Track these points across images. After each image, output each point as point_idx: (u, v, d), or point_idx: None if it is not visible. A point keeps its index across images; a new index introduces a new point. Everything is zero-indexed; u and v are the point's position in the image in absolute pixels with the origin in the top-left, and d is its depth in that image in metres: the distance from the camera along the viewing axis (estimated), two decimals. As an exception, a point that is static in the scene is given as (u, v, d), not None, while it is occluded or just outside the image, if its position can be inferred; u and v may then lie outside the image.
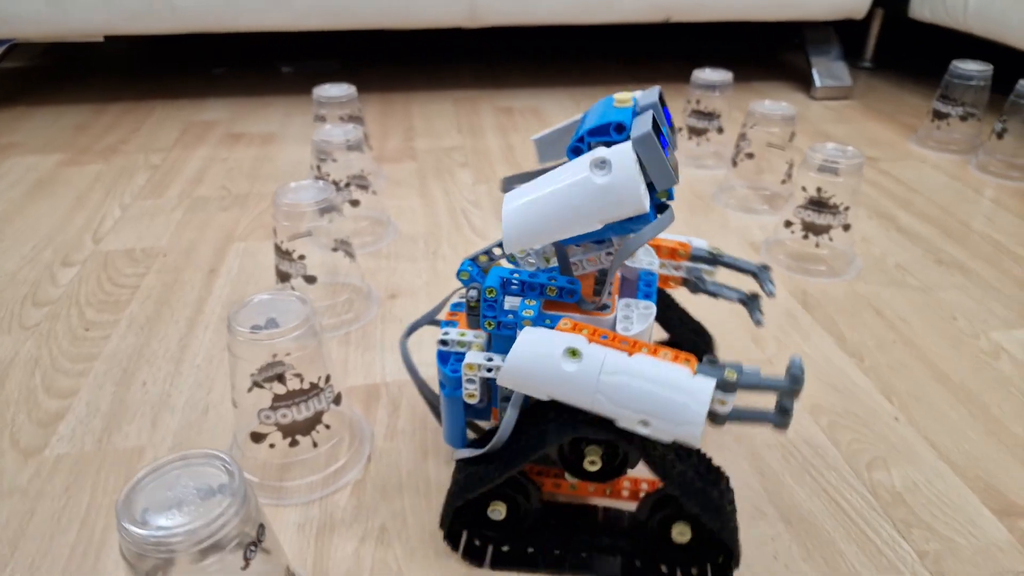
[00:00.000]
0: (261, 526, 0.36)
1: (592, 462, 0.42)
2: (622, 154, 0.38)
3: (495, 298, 0.42)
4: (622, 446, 0.41)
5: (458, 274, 0.45)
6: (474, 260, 0.46)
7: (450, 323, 0.47)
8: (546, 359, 0.39)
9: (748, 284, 0.55)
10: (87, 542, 0.47)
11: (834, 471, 0.53)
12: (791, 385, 0.38)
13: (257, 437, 0.49)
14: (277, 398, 0.48)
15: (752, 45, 1.75)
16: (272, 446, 0.50)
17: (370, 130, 1.16)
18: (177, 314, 0.71)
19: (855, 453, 0.54)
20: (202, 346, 0.66)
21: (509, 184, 0.47)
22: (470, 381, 0.44)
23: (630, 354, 0.39)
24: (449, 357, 0.45)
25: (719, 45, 1.76)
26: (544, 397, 0.40)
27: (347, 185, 0.82)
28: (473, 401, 0.45)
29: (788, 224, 0.79)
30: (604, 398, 0.38)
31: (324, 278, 0.68)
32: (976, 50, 1.19)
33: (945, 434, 0.56)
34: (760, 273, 0.51)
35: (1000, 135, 1.03)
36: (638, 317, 0.45)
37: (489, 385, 0.45)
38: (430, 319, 0.52)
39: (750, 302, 0.51)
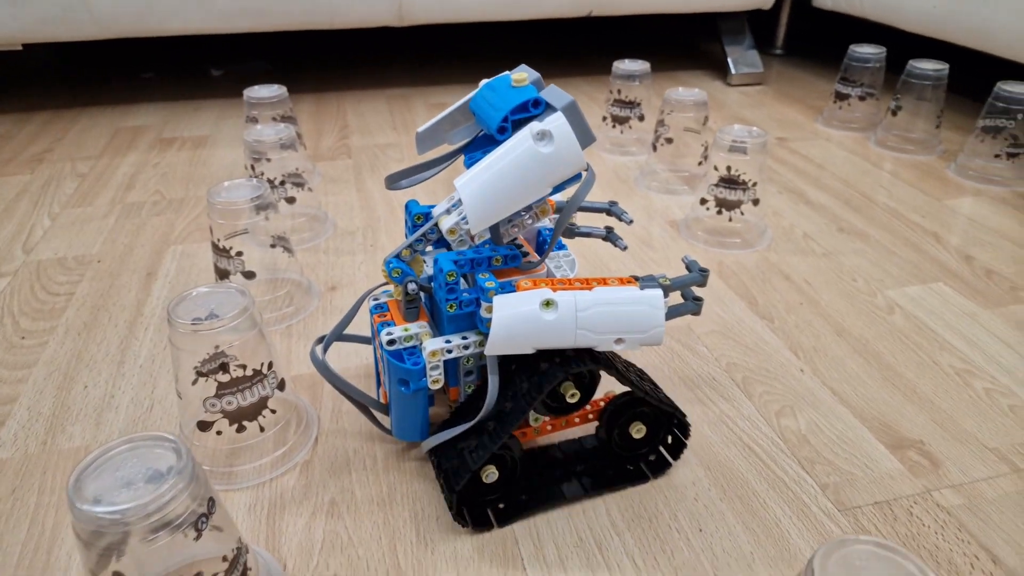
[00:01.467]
0: (211, 500, 0.38)
1: (572, 395, 0.48)
2: (559, 123, 0.43)
3: (455, 281, 0.45)
4: (590, 372, 0.48)
5: (389, 273, 0.47)
6: (398, 256, 0.48)
7: (386, 323, 0.49)
8: (527, 316, 0.44)
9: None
10: (38, 539, 0.48)
11: (748, 420, 0.58)
12: (701, 277, 0.49)
13: (204, 425, 0.51)
14: (221, 386, 0.50)
15: (673, 37, 1.82)
16: (219, 433, 0.52)
17: (303, 129, 1.17)
18: (115, 318, 0.71)
19: (766, 403, 0.60)
20: (143, 347, 0.67)
21: (392, 181, 0.51)
22: (434, 368, 0.47)
23: (590, 290, 0.45)
24: (402, 355, 0.47)
25: (641, 38, 1.83)
26: (530, 350, 0.45)
27: (282, 183, 0.83)
28: (438, 387, 0.48)
29: (703, 202, 0.84)
30: (585, 332, 0.44)
31: (263, 274, 0.70)
32: (875, 35, 1.28)
33: (845, 382, 0.62)
34: (612, 208, 0.57)
35: (895, 112, 1.11)
36: (567, 264, 0.53)
37: (446, 367, 0.48)
38: (344, 327, 0.54)
39: (611, 235, 0.57)
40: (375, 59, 1.63)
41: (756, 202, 0.83)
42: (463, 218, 0.46)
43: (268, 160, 0.82)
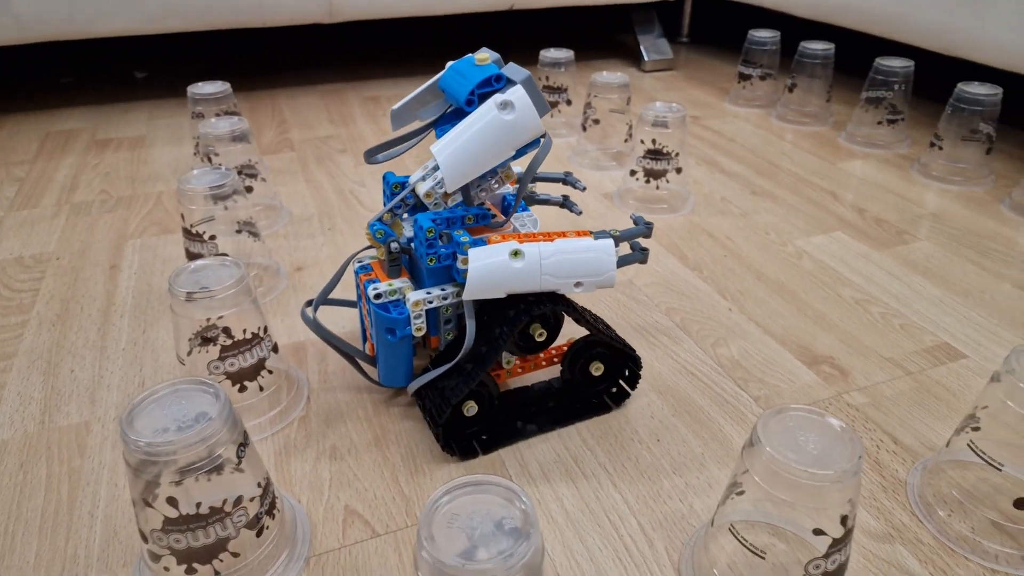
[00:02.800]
0: (245, 433, 0.43)
1: (540, 334, 0.55)
2: (519, 94, 0.50)
3: (434, 237, 0.52)
4: (554, 313, 0.55)
5: (373, 235, 0.54)
6: (380, 220, 0.55)
7: (371, 281, 0.55)
8: (498, 265, 0.50)
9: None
10: (56, 503, 0.51)
11: (688, 352, 0.67)
12: (646, 229, 0.56)
13: (207, 389, 0.55)
14: (224, 349, 0.54)
15: (590, 29, 1.92)
16: (221, 395, 0.56)
17: (242, 126, 1.19)
18: (88, 308, 0.73)
19: (703, 337, 0.69)
20: (123, 333, 0.70)
21: (370, 155, 0.58)
22: (417, 317, 0.53)
23: (551, 241, 0.52)
24: (387, 307, 0.54)
25: (560, 30, 1.92)
26: (502, 295, 0.51)
27: (239, 173, 0.86)
28: (421, 334, 0.54)
29: (633, 173, 0.93)
30: (549, 277, 0.51)
31: (234, 258, 0.73)
32: (771, 20, 1.41)
33: (767, 316, 0.72)
34: (567, 178, 0.64)
35: (791, 89, 1.24)
36: (530, 223, 0.61)
37: (428, 317, 0.55)
38: (333, 287, 0.59)
39: (567, 202, 0.64)
40: (305, 56, 1.65)
41: (679, 171, 0.92)
42: (437, 183, 0.52)
43: (216, 154, 0.85)
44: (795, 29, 1.41)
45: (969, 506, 0.49)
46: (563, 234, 0.53)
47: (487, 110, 0.50)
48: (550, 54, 1.15)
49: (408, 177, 0.57)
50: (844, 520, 0.38)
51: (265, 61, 1.61)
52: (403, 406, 0.60)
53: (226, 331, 0.54)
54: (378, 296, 0.54)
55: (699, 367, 0.65)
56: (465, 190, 0.54)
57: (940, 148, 1.02)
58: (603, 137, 1.09)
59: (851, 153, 1.13)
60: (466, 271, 0.51)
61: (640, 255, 0.56)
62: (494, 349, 0.53)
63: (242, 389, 0.56)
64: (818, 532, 0.39)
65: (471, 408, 0.55)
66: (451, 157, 0.51)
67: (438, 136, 0.55)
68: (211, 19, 1.23)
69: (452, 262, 0.53)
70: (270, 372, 0.58)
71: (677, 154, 0.91)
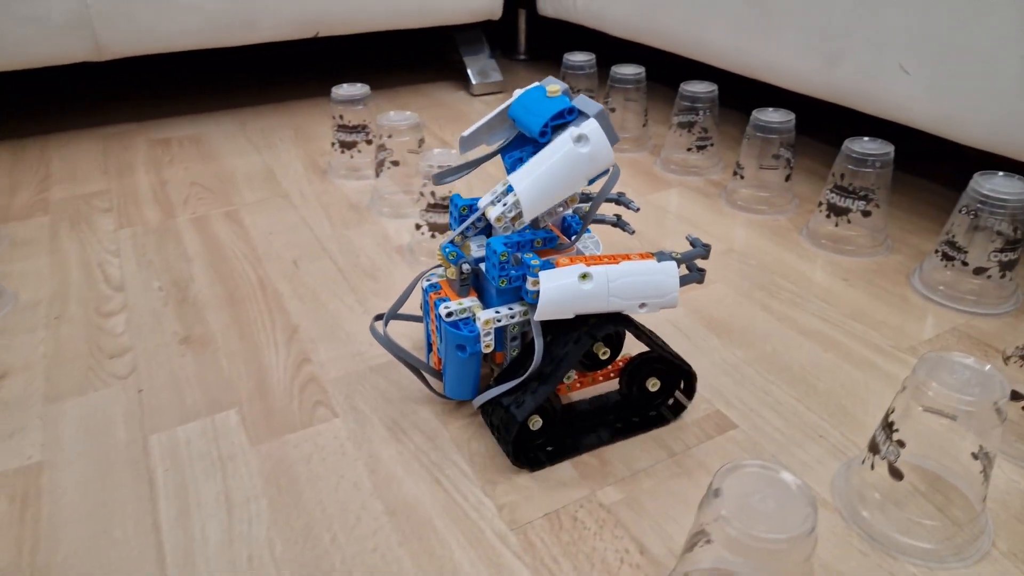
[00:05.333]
0: None
1: (604, 352, 0.58)
2: (593, 128, 0.53)
3: (506, 260, 0.55)
4: (620, 332, 0.58)
5: (446, 256, 0.58)
6: (452, 242, 0.61)
7: (442, 300, 0.58)
8: (568, 287, 0.53)
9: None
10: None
11: (440, 451, 0.59)
12: (704, 251, 0.58)
13: None
14: None
15: (417, 49, 1.84)
16: None
17: (-11, 187, 1.03)
18: None
19: (461, 430, 0.61)
20: None
21: (440, 178, 0.63)
22: (487, 334, 0.56)
23: (617, 263, 0.54)
24: (458, 324, 0.57)
25: (383, 53, 1.82)
26: (571, 316, 0.54)
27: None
28: (489, 350, 0.57)
29: (418, 227, 0.85)
30: (616, 298, 0.54)
31: None
32: (606, 38, 1.37)
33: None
34: (621, 198, 0.66)
35: (607, 115, 1.20)
36: (592, 244, 0.65)
37: (496, 334, 0.57)
38: (402, 304, 0.64)
39: (619, 222, 0.66)
40: (86, 94, 1.47)
41: (466, 222, 0.85)
42: (507, 208, 0.55)
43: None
44: (611, 49, 1.37)
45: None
46: (627, 256, 0.56)
47: (563, 143, 0.53)
48: (342, 91, 1.05)
49: (475, 200, 0.61)
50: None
51: (37, 106, 1.43)
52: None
53: None
54: (449, 314, 0.57)
55: (448, 471, 0.57)
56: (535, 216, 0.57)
57: (742, 177, 0.99)
58: (406, 178, 1.01)
59: (667, 182, 1.09)
60: (535, 292, 0.54)
61: (697, 275, 0.58)
62: (561, 369, 0.55)
63: None
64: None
65: (536, 422, 0.57)
66: (529, 188, 0.54)
67: (505, 161, 0.60)
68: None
69: (521, 283, 0.56)
70: None
71: (461, 205, 0.84)
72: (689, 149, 1.10)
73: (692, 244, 0.59)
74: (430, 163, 0.82)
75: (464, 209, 0.61)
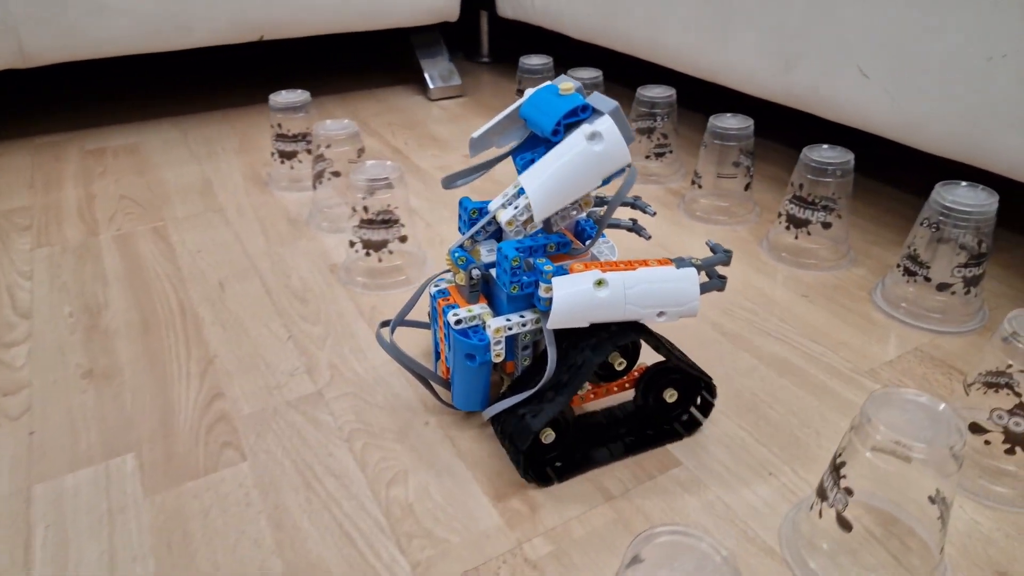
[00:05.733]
0: None
1: (620, 363, 0.57)
2: (608, 125, 0.50)
3: (518, 265, 0.52)
4: (636, 343, 0.57)
5: (455, 261, 0.56)
6: (461, 247, 0.57)
7: (451, 306, 0.56)
8: (583, 294, 0.50)
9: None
10: None
11: (354, 499, 0.54)
12: (725, 256, 0.54)
13: None
14: None
15: (375, 52, 1.78)
16: None
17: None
18: None
19: (380, 472, 0.56)
20: None
21: (449, 181, 0.60)
22: (497, 343, 0.54)
23: (634, 270, 0.52)
24: (467, 332, 0.54)
25: (337, 56, 1.77)
26: (586, 324, 0.51)
27: None
28: (500, 359, 0.55)
29: (352, 244, 0.80)
30: (633, 306, 0.51)
31: None
32: (573, 40, 1.32)
33: (466, 427, 0.60)
34: (636, 203, 0.63)
35: (564, 121, 1.15)
36: (608, 250, 0.61)
37: (506, 343, 0.55)
38: (409, 310, 0.61)
39: (635, 226, 0.63)
40: (16, 103, 1.40)
41: (404, 239, 0.80)
42: (519, 211, 0.52)
43: None
44: (570, 51, 1.32)
45: None
46: (644, 262, 0.53)
47: (575, 141, 0.51)
48: (281, 98, 1.00)
49: (485, 203, 0.58)
50: None
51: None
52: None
53: None
54: (458, 322, 0.54)
55: (360, 523, 0.52)
56: (547, 219, 0.54)
57: (700, 186, 0.95)
58: (348, 190, 0.95)
59: (624, 189, 1.04)
60: (548, 299, 0.51)
61: (718, 283, 0.55)
62: (577, 379, 0.52)
63: None
64: None
65: (549, 436, 0.54)
66: (540, 188, 0.51)
67: (516, 163, 0.57)
68: None
69: (534, 290, 0.53)
70: None
71: (396, 222, 0.79)
72: (648, 156, 1.05)
73: (712, 250, 0.55)
74: (363, 176, 0.77)
75: (474, 212, 0.59)
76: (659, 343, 0.55)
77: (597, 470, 0.56)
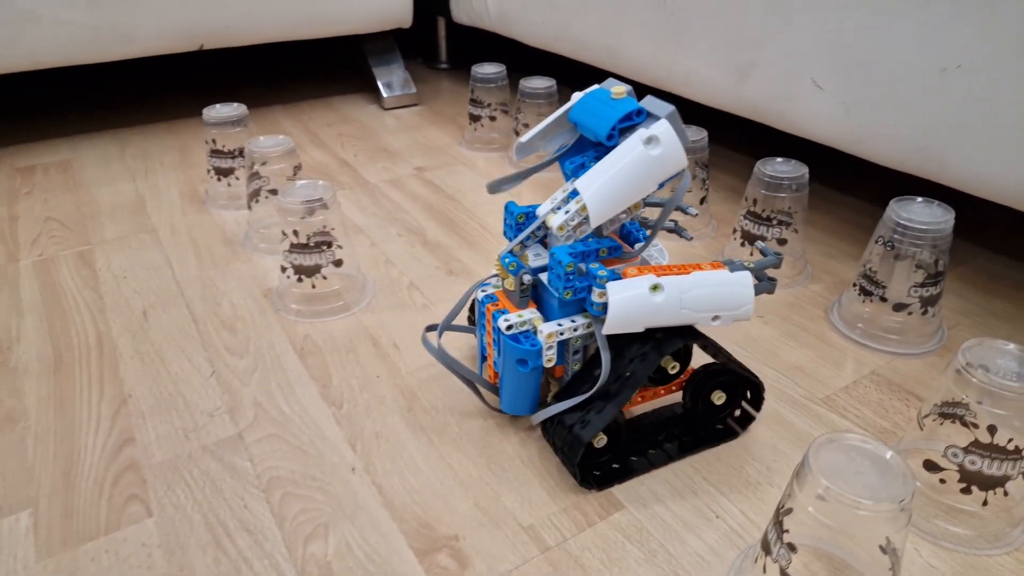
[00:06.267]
0: None
1: (673, 367, 0.57)
2: (664, 129, 0.50)
3: (573, 271, 0.52)
4: (688, 346, 0.57)
5: (506, 267, 0.55)
6: (511, 252, 0.56)
7: (500, 311, 0.55)
8: (639, 299, 0.50)
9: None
10: None
11: (267, 558, 0.49)
12: (777, 259, 0.55)
13: None
14: None
15: (329, 59, 1.73)
16: None
17: None
18: None
19: (299, 526, 0.52)
20: None
21: (495, 187, 0.59)
22: (549, 348, 0.54)
23: (688, 274, 0.51)
24: (518, 337, 0.54)
25: (287, 63, 1.71)
26: (641, 329, 0.52)
27: None
28: (551, 364, 0.55)
29: (283, 270, 0.75)
30: (688, 311, 0.51)
31: None
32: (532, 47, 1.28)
33: (396, 472, 0.56)
34: (674, 203, 0.60)
35: (518, 133, 1.11)
36: (658, 253, 0.60)
37: (557, 347, 0.55)
38: (456, 315, 0.60)
39: (676, 227, 0.62)
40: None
41: (339, 263, 0.75)
42: (570, 215, 0.52)
43: None
44: (522, 59, 1.29)
45: None
46: (698, 266, 0.53)
47: (632, 146, 0.50)
48: (215, 111, 0.95)
49: (532, 207, 0.59)
50: None
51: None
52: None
53: None
54: (510, 328, 0.54)
55: (272, 585, 0.48)
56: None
57: (654, 200, 0.91)
58: (290, 208, 0.90)
59: (579, 203, 1.01)
60: (601, 304, 0.51)
61: (769, 285, 0.55)
62: (627, 390, 0.52)
63: None
64: None
65: (601, 440, 0.55)
66: (597, 193, 0.51)
67: (564, 167, 0.56)
68: None
69: (586, 295, 0.53)
70: None
71: (331, 245, 0.74)
72: (602, 168, 1.02)
73: (763, 253, 0.56)
74: (292, 199, 0.73)
75: (521, 217, 0.59)
76: (706, 345, 0.55)
77: (531, 511, 0.52)
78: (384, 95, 1.38)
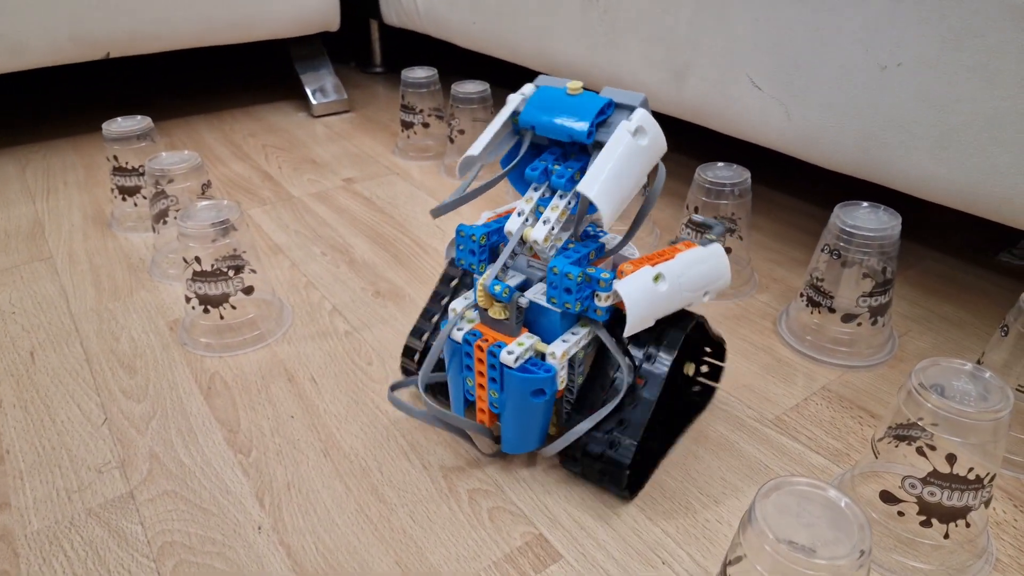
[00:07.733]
0: None
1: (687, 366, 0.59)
2: (646, 117, 0.49)
3: (582, 281, 0.49)
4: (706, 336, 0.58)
5: (497, 295, 0.49)
6: (497, 278, 0.51)
7: (496, 346, 0.50)
8: (649, 292, 0.49)
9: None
10: None
11: (152, 646, 0.43)
12: (723, 228, 0.56)
13: None
14: None
15: (254, 64, 1.65)
16: None
17: None
18: None
19: (192, 604, 0.45)
20: None
21: (438, 212, 0.54)
22: (562, 368, 0.50)
23: (673, 259, 0.51)
24: (527, 367, 0.49)
25: (213, 68, 1.63)
26: (652, 323, 0.50)
27: None
28: (564, 385, 0.51)
29: (188, 300, 0.68)
30: (687, 293, 0.51)
31: None
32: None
33: (308, 530, 0.50)
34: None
35: (452, 140, 1.06)
36: (628, 249, 0.56)
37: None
38: (432, 366, 0.53)
39: (706, 221, 0.60)
40: None
41: (249, 290, 0.69)
42: (551, 225, 0.49)
43: None
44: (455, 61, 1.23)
45: None
46: (676, 249, 0.53)
47: (620, 139, 0.49)
48: (116, 126, 0.87)
49: (490, 226, 0.54)
50: None
51: None
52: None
53: None
54: (516, 359, 0.49)
55: None
56: (577, 226, 0.52)
57: (594, 208, 0.87)
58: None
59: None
60: (606, 309, 0.50)
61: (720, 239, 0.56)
62: (642, 416, 0.50)
63: None
64: None
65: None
66: (604, 193, 0.48)
67: (527, 174, 0.52)
68: None
69: (590, 302, 0.50)
70: None
71: (241, 270, 0.67)
72: (540, 176, 0.97)
73: (706, 224, 0.57)
74: (192, 223, 0.66)
75: (483, 238, 0.53)
76: (692, 320, 0.54)
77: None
78: (313, 102, 1.31)
